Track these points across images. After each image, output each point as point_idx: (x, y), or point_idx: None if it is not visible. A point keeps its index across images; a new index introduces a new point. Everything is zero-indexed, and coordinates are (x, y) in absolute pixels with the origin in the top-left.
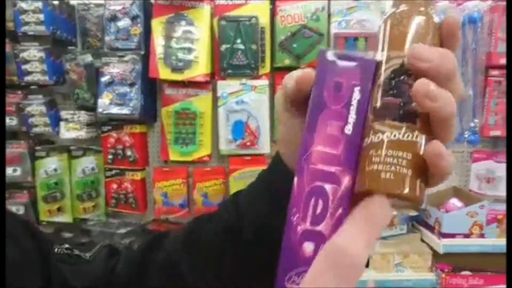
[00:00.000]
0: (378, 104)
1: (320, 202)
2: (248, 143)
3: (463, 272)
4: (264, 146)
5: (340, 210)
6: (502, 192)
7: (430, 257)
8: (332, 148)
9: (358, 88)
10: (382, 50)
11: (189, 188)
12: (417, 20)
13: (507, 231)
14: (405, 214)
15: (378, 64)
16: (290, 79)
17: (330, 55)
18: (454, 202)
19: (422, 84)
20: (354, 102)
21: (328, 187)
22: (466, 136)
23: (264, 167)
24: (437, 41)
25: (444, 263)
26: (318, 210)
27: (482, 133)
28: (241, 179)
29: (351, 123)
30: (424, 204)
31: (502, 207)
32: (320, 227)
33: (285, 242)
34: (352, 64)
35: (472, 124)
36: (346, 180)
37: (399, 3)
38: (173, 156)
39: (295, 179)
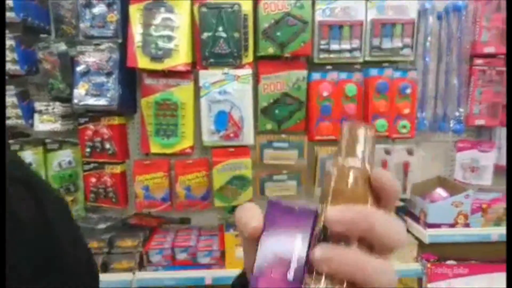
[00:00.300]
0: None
1: None
2: (232, 135)
3: (448, 262)
4: (248, 138)
5: None
6: (486, 181)
7: (415, 247)
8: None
9: (300, 236)
10: (321, 202)
11: (171, 181)
12: (352, 175)
13: (507, 231)
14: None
15: (316, 216)
16: (245, 228)
17: (276, 206)
18: (440, 192)
19: (319, 250)
20: (296, 251)
21: None
22: (451, 125)
23: (248, 159)
24: (369, 195)
25: (430, 253)
26: None
27: (467, 122)
28: (225, 171)
29: (293, 269)
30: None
31: (487, 196)
32: None
33: None
34: (295, 215)
35: (457, 114)
36: None
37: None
38: (154, 149)
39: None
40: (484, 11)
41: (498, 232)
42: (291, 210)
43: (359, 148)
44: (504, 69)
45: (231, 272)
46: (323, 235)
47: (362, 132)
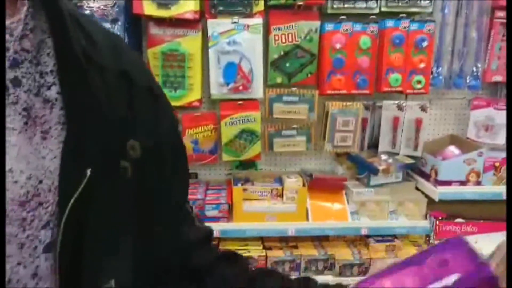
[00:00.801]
0: None
1: None
2: (241, 87)
3: (457, 220)
4: (257, 91)
5: None
6: (500, 140)
7: (425, 205)
8: None
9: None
10: None
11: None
12: None
13: (507, 230)
14: (401, 162)
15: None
16: None
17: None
18: (452, 149)
19: None
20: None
21: None
22: (468, 81)
23: (257, 112)
24: None
25: (439, 211)
26: None
27: (484, 79)
28: (233, 124)
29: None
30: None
31: (500, 154)
32: None
33: None
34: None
35: (474, 69)
36: None
37: None
38: None
39: None
40: None
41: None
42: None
43: None
44: None
45: (239, 225)
46: None
47: None
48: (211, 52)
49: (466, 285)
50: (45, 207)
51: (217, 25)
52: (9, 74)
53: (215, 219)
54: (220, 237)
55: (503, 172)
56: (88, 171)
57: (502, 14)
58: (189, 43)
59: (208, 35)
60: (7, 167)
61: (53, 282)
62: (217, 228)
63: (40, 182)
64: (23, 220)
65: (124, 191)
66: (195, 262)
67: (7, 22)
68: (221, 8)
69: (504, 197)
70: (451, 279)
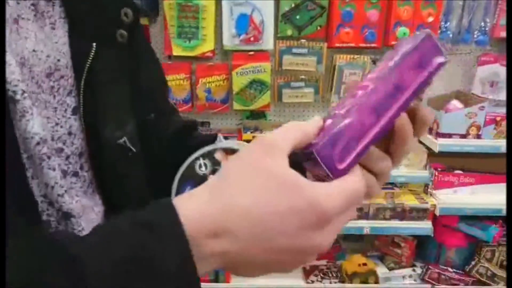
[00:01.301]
0: None
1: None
2: (252, 38)
3: (456, 171)
4: (268, 42)
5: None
6: (503, 96)
7: (425, 156)
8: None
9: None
10: None
11: (192, 84)
12: None
13: (507, 230)
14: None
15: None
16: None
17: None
18: (455, 103)
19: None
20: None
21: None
22: (476, 36)
23: (267, 63)
24: None
25: (439, 163)
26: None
27: (492, 34)
28: (244, 74)
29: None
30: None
31: (502, 109)
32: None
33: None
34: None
35: (482, 24)
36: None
37: None
38: (176, 51)
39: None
40: None
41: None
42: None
43: None
44: None
45: None
46: None
47: None
48: (224, 3)
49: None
50: (65, 79)
51: None
52: None
53: None
54: None
55: (504, 126)
56: (94, 45)
57: None
58: None
59: None
60: (31, 48)
61: (82, 138)
62: None
63: (58, 60)
64: (52, 88)
65: (123, 58)
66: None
67: None
68: None
69: (503, 150)
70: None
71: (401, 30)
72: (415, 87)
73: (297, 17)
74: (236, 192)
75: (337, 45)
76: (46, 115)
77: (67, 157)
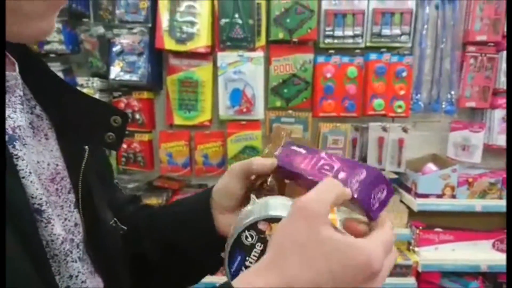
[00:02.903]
0: None
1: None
2: (245, 110)
3: (436, 229)
4: (259, 113)
5: (333, 157)
6: (476, 159)
7: (406, 215)
8: (305, 160)
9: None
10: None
11: (191, 150)
12: None
13: (507, 231)
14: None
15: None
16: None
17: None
18: (430, 166)
19: None
20: (297, 148)
21: (320, 162)
22: (444, 107)
23: (258, 131)
24: None
25: (419, 221)
26: (328, 168)
27: (459, 105)
28: (238, 141)
29: (302, 150)
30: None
31: (474, 171)
32: (335, 167)
33: None
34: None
35: (449, 96)
36: (322, 153)
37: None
38: (177, 121)
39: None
40: (477, 2)
41: (482, 203)
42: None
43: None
44: (495, 56)
45: None
46: None
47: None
48: (220, 80)
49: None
50: (65, 180)
51: (225, 57)
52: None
53: None
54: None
55: (476, 187)
56: (86, 147)
57: (473, 48)
58: (202, 72)
59: (218, 65)
60: (36, 161)
61: (83, 227)
62: None
63: (57, 165)
64: (57, 190)
65: (105, 157)
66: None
67: (14, 73)
68: (228, 43)
69: (477, 209)
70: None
71: (377, 102)
72: None
73: (285, 90)
74: (296, 267)
75: (321, 114)
76: (56, 213)
77: (77, 246)
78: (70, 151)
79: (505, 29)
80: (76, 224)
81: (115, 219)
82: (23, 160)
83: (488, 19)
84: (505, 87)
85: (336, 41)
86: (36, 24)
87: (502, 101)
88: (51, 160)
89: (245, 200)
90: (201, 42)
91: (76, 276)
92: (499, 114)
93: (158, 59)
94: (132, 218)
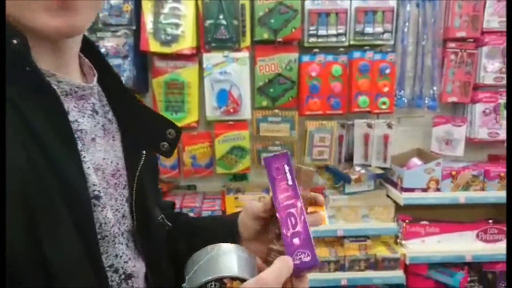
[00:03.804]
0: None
1: (292, 218)
2: (231, 110)
3: (422, 222)
4: (246, 113)
5: (303, 217)
6: (459, 153)
7: (393, 209)
8: (286, 193)
9: (287, 166)
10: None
11: (179, 151)
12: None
13: (507, 231)
14: (372, 173)
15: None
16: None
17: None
18: (415, 161)
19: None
20: (288, 171)
21: (293, 210)
22: (426, 102)
23: (246, 131)
24: None
25: (405, 215)
26: (293, 222)
27: (441, 100)
28: (225, 142)
29: (289, 179)
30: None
31: (457, 164)
32: (297, 228)
33: (286, 243)
34: (280, 157)
35: (431, 92)
36: (298, 203)
37: None
38: None
39: (278, 215)
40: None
41: (466, 195)
42: (277, 156)
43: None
44: (474, 51)
45: None
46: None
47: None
48: (206, 81)
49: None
50: (123, 176)
51: (210, 58)
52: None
53: None
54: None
55: (460, 179)
56: (144, 152)
57: (453, 44)
58: (188, 73)
59: (203, 66)
60: (102, 157)
61: (131, 222)
62: None
63: (117, 163)
64: (115, 184)
65: (156, 163)
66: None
67: (91, 84)
68: (214, 44)
69: (461, 201)
70: (286, 168)
71: (362, 99)
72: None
73: (271, 90)
74: None
75: (307, 113)
76: (110, 204)
77: (122, 234)
78: (130, 153)
79: (483, 25)
80: (123, 216)
81: (162, 215)
82: (84, 157)
83: (467, 16)
84: (484, 82)
85: (320, 40)
86: (41, 18)
87: (483, 95)
88: (114, 158)
89: (268, 227)
90: (186, 43)
91: (121, 256)
92: (480, 108)
93: (143, 62)
94: (174, 220)
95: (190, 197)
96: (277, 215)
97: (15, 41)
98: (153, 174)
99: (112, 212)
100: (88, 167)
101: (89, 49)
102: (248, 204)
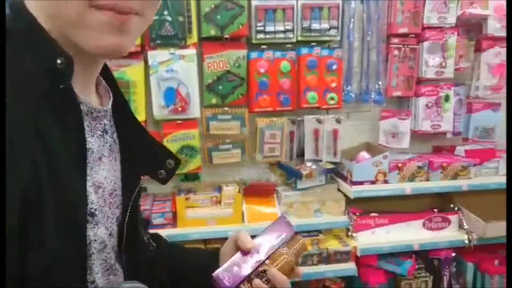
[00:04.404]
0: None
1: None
2: (180, 109)
3: (372, 214)
4: (195, 111)
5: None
6: (405, 145)
7: (343, 203)
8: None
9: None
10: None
11: None
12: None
13: (507, 232)
14: (323, 168)
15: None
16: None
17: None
18: (363, 154)
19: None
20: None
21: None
22: (373, 96)
23: (195, 130)
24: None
25: (356, 208)
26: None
27: (387, 94)
28: (175, 141)
29: (279, 239)
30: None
31: (403, 157)
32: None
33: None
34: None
35: (377, 86)
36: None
37: None
38: None
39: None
40: None
41: (412, 186)
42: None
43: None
44: (416, 47)
45: (182, 230)
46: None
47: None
48: (152, 79)
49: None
50: (118, 197)
51: (156, 56)
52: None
53: (161, 226)
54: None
55: (406, 171)
56: (141, 177)
57: (396, 40)
58: (133, 71)
59: (149, 64)
60: (105, 176)
61: (117, 240)
62: (163, 233)
63: (115, 183)
64: (111, 203)
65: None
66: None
67: (106, 108)
68: (159, 41)
69: (407, 192)
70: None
71: (311, 95)
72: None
73: (220, 87)
74: None
75: (257, 110)
76: (103, 221)
77: (108, 252)
78: (128, 175)
79: (424, 21)
80: (111, 234)
81: (147, 236)
82: (88, 176)
83: (409, 12)
84: (426, 76)
85: (268, 36)
86: (100, 37)
87: (425, 89)
88: (113, 178)
89: None
90: None
91: (103, 273)
92: (423, 101)
93: None
94: (156, 242)
95: (141, 199)
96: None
97: (59, 61)
98: (140, 195)
99: (103, 230)
100: (90, 186)
101: (104, 71)
102: (233, 234)
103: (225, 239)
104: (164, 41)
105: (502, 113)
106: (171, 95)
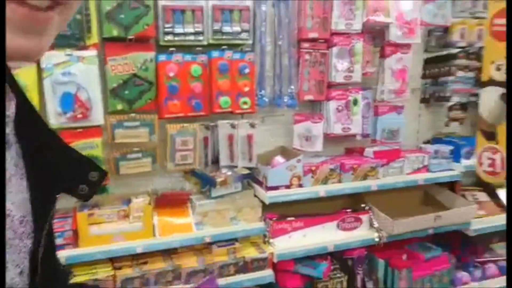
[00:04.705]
0: None
1: None
2: (80, 116)
3: (288, 218)
4: (98, 118)
5: None
6: (318, 148)
7: (260, 209)
8: None
9: None
10: None
11: None
12: None
13: (507, 233)
14: (238, 174)
15: None
16: None
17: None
18: (278, 158)
19: None
20: None
21: None
22: (286, 100)
23: (98, 138)
24: None
25: (272, 213)
26: None
27: (299, 98)
28: None
29: None
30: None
31: (317, 160)
32: None
33: None
34: None
35: (289, 90)
36: None
37: None
38: None
39: None
40: (307, 1)
41: (325, 189)
42: None
43: None
44: (326, 51)
45: (85, 250)
46: None
47: None
48: (46, 83)
49: None
50: (29, 224)
51: (51, 57)
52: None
53: (60, 247)
54: (65, 265)
55: (319, 174)
56: (57, 196)
57: (307, 45)
58: (24, 74)
59: (42, 67)
60: (13, 200)
61: (28, 279)
62: (63, 255)
63: (24, 207)
64: (22, 233)
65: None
66: None
67: (8, 112)
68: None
69: (321, 194)
70: None
71: (223, 99)
72: None
73: (126, 92)
74: None
75: (167, 116)
76: (12, 259)
77: None
78: (39, 196)
79: (332, 27)
80: (21, 272)
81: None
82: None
83: (318, 17)
84: (336, 80)
85: (177, 38)
86: (19, 40)
87: (336, 93)
88: (22, 202)
89: None
90: None
91: None
92: (333, 105)
93: None
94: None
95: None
96: None
97: None
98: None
99: (13, 271)
100: None
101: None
102: None
103: (134, 255)
104: (60, 41)
105: (404, 116)
106: (68, 100)
